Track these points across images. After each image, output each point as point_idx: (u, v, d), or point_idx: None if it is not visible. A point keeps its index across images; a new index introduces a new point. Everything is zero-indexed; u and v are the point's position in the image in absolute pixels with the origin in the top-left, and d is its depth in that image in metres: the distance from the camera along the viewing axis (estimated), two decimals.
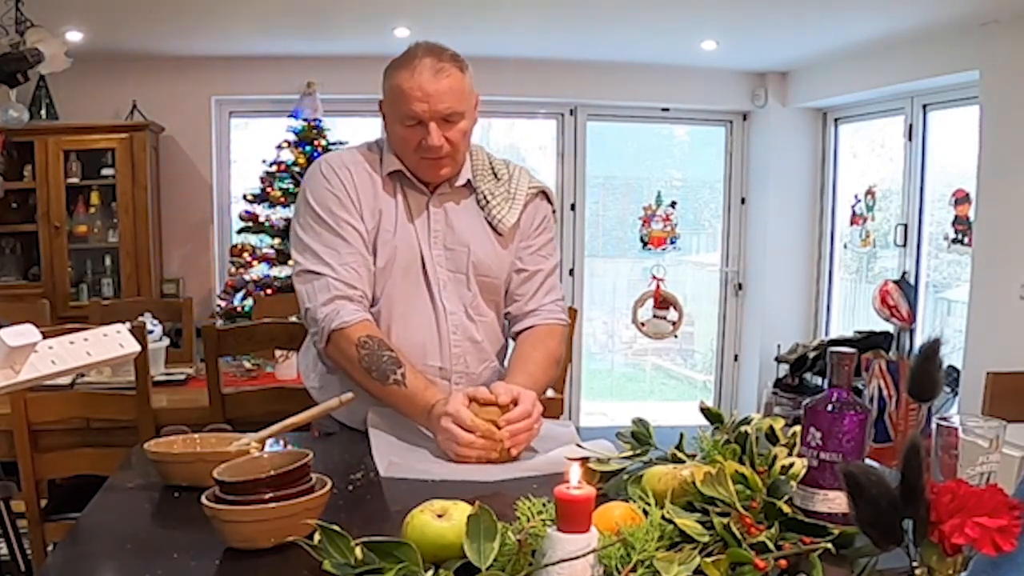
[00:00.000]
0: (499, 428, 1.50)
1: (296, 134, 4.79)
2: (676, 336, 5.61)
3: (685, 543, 1.00)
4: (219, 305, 4.79)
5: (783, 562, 0.97)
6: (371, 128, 5.39)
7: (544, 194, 1.86)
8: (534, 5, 4.04)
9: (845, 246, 5.42)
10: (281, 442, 1.59)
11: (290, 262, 4.65)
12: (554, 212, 1.89)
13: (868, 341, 4.66)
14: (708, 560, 0.96)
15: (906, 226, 4.75)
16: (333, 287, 1.65)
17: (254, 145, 5.26)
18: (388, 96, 1.69)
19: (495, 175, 1.80)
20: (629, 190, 5.85)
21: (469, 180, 1.77)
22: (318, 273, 1.66)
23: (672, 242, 5.73)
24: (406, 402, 1.59)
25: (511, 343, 1.87)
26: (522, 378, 1.65)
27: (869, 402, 4.40)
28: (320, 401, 1.74)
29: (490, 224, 1.77)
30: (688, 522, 1.01)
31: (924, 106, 4.63)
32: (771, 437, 1.26)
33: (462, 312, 1.75)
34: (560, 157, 5.57)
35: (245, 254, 4.76)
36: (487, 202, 1.77)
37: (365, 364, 1.60)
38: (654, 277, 5.47)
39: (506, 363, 1.83)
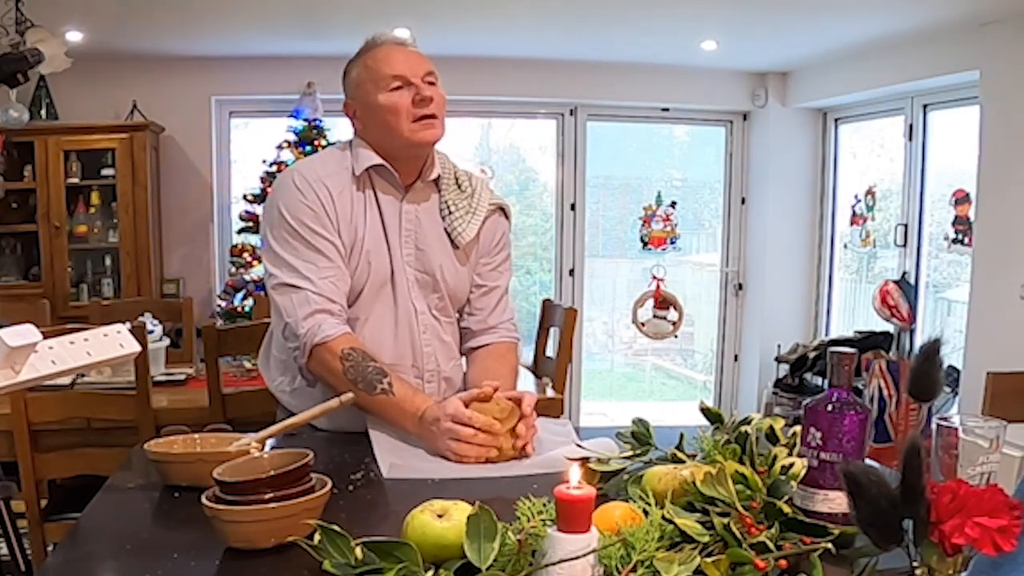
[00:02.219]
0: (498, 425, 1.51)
1: (296, 134, 4.79)
2: (676, 336, 5.62)
3: (685, 543, 1.00)
4: (219, 305, 4.79)
5: (783, 562, 0.98)
6: None
7: (503, 210, 1.87)
8: (534, 5, 4.04)
9: (845, 246, 5.42)
10: (281, 442, 1.59)
11: None
12: (510, 227, 1.90)
13: (868, 341, 4.66)
14: (708, 560, 0.96)
15: (906, 226, 4.75)
16: (313, 301, 1.63)
17: (254, 145, 5.26)
18: (361, 78, 1.70)
19: (458, 186, 1.80)
20: (629, 190, 5.85)
21: (440, 176, 1.77)
22: (297, 287, 1.64)
23: (672, 242, 5.73)
24: (395, 410, 1.59)
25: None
26: (486, 378, 1.67)
27: (869, 402, 4.41)
28: (291, 405, 1.76)
29: (448, 235, 1.77)
30: (688, 522, 1.01)
31: (924, 106, 4.64)
32: (771, 437, 1.26)
33: (428, 312, 1.76)
34: (560, 157, 5.57)
35: (245, 254, 4.76)
36: (449, 212, 1.77)
37: (350, 376, 1.59)
38: (654, 277, 5.47)
39: (465, 376, 1.84)
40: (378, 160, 1.70)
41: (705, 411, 1.37)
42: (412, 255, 1.74)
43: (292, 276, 1.65)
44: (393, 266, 1.72)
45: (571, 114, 5.52)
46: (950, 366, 4.15)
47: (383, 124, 1.69)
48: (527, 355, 3.66)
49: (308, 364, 1.66)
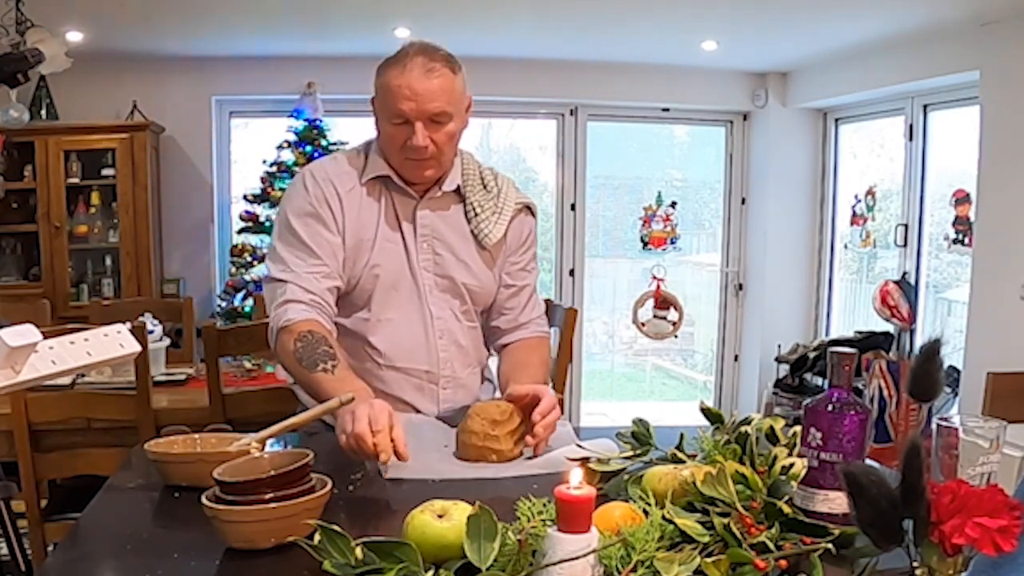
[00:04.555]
0: (494, 432, 1.50)
1: (296, 134, 4.80)
2: (676, 336, 5.62)
3: (685, 543, 1.00)
4: (219, 305, 4.79)
5: (783, 562, 0.98)
6: (371, 128, 5.38)
7: (529, 208, 1.87)
8: (534, 5, 4.04)
9: (845, 246, 5.42)
10: (282, 442, 1.59)
11: None
12: (536, 224, 1.91)
13: (868, 341, 4.66)
14: (708, 560, 0.96)
15: (906, 226, 4.75)
16: (289, 292, 1.64)
17: (254, 145, 5.26)
18: (378, 93, 1.69)
19: (484, 186, 1.80)
20: (629, 190, 5.85)
21: (459, 186, 1.77)
22: (281, 280, 1.66)
23: (672, 242, 5.73)
24: (328, 386, 1.51)
25: (493, 355, 1.89)
26: (526, 379, 1.67)
27: (869, 402, 4.40)
28: (309, 401, 1.75)
29: (475, 236, 1.77)
30: (688, 522, 1.01)
31: (924, 106, 4.63)
32: (771, 437, 1.26)
33: (450, 317, 1.75)
34: (560, 157, 5.56)
35: (245, 254, 4.76)
36: (476, 214, 1.77)
37: (298, 355, 1.56)
38: (654, 277, 5.47)
39: (494, 372, 1.85)
40: (385, 172, 1.72)
41: (705, 411, 1.37)
42: (430, 259, 1.74)
43: (280, 270, 1.67)
44: (411, 270, 1.73)
45: (571, 114, 5.52)
46: (950, 366, 4.14)
47: (383, 144, 1.71)
48: None
49: (275, 350, 1.65)
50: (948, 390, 4.13)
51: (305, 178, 1.72)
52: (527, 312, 1.86)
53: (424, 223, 1.74)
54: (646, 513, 1.02)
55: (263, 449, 1.35)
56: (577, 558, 0.90)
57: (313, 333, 1.59)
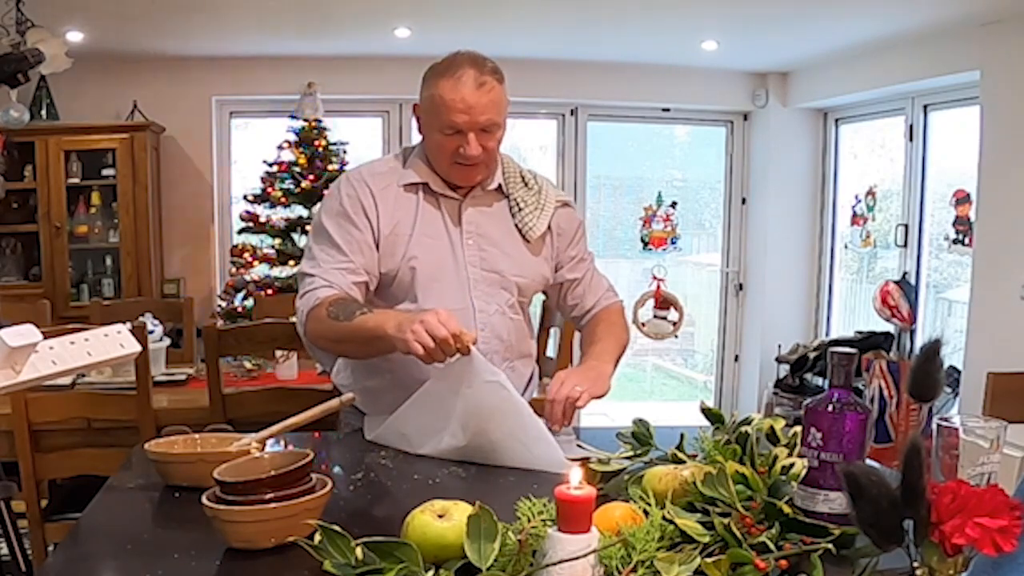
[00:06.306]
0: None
1: (296, 134, 4.79)
2: (676, 336, 5.61)
3: (686, 543, 1.00)
4: (220, 305, 4.79)
5: (783, 562, 0.98)
6: (371, 128, 5.39)
7: (567, 204, 1.95)
8: (534, 5, 4.04)
9: (846, 246, 5.42)
10: (282, 442, 1.59)
11: (291, 263, 4.67)
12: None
13: (869, 341, 4.66)
14: (709, 560, 0.96)
15: (907, 226, 4.75)
16: (316, 283, 1.68)
17: (254, 145, 5.26)
18: (428, 103, 1.72)
19: (525, 184, 1.87)
20: (629, 190, 5.85)
21: (500, 185, 1.82)
22: (310, 275, 1.70)
23: (672, 242, 5.73)
24: (375, 319, 1.56)
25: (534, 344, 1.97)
26: (591, 349, 1.82)
27: (870, 402, 4.40)
28: (357, 401, 1.77)
29: (519, 230, 1.83)
30: (689, 522, 1.01)
31: (925, 106, 4.63)
32: (771, 437, 1.26)
33: (494, 311, 1.79)
34: (560, 157, 5.57)
35: (246, 254, 4.75)
36: (519, 209, 1.83)
37: (333, 315, 1.60)
38: (654, 277, 5.46)
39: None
40: (423, 179, 1.76)
41: (706, 411, 1.37)
42: (476, 255, 1.78)
43: (310, 266, 1.72)
44: (457, 265, 1.76)
45: (571, 114, 5.52)
46: (950, 366, 4.14)
47: (430, 151, 1.76)
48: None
49: (307, 330, 1.67)
50: (948, 390, 4.13)
51: (340, 182, 1.79)
52: (593, 295, 1.96)
53: (469, 219, 1.79)
54: (646, 513, 1.02)
55: (263, 449, 1.35)
56: (577, 558, 0.90)
57: (344, 298, 1.64)
